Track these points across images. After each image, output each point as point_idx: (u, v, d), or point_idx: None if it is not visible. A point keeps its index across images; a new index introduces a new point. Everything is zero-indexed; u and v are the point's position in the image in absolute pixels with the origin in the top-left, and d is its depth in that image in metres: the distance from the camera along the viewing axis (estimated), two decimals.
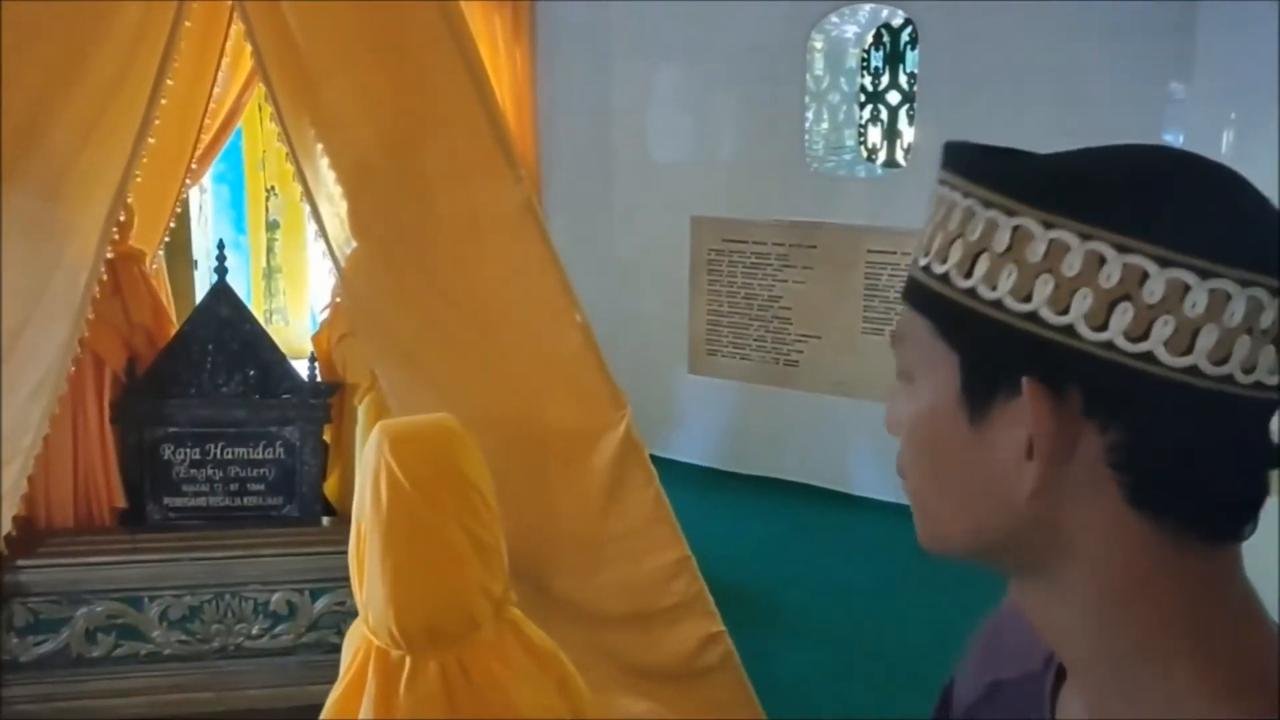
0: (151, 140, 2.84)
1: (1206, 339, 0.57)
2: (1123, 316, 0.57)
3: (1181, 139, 4.39)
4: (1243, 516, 0.62)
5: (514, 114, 5.60)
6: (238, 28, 2.94)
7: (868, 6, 5.24)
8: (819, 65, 5.33)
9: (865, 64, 5.50)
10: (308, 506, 3.34)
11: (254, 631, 3.15)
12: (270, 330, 3.75)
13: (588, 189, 5.75)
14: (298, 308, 7.51)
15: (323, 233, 2.90)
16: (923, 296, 0.66)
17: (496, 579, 1.72)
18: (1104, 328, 0.58)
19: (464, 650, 1.67)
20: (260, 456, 3.30)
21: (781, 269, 5.28)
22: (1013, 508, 0.63)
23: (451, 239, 2.87)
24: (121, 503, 3.29)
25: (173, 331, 3.40)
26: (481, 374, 2.88)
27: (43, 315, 2.77)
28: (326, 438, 3.57)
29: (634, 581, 2.90)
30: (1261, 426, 0.60)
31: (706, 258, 5.47)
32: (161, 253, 4.19)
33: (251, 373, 3.25)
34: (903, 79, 5.38)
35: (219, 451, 3.28)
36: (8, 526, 2.86)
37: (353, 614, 1.76)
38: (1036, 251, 0.60)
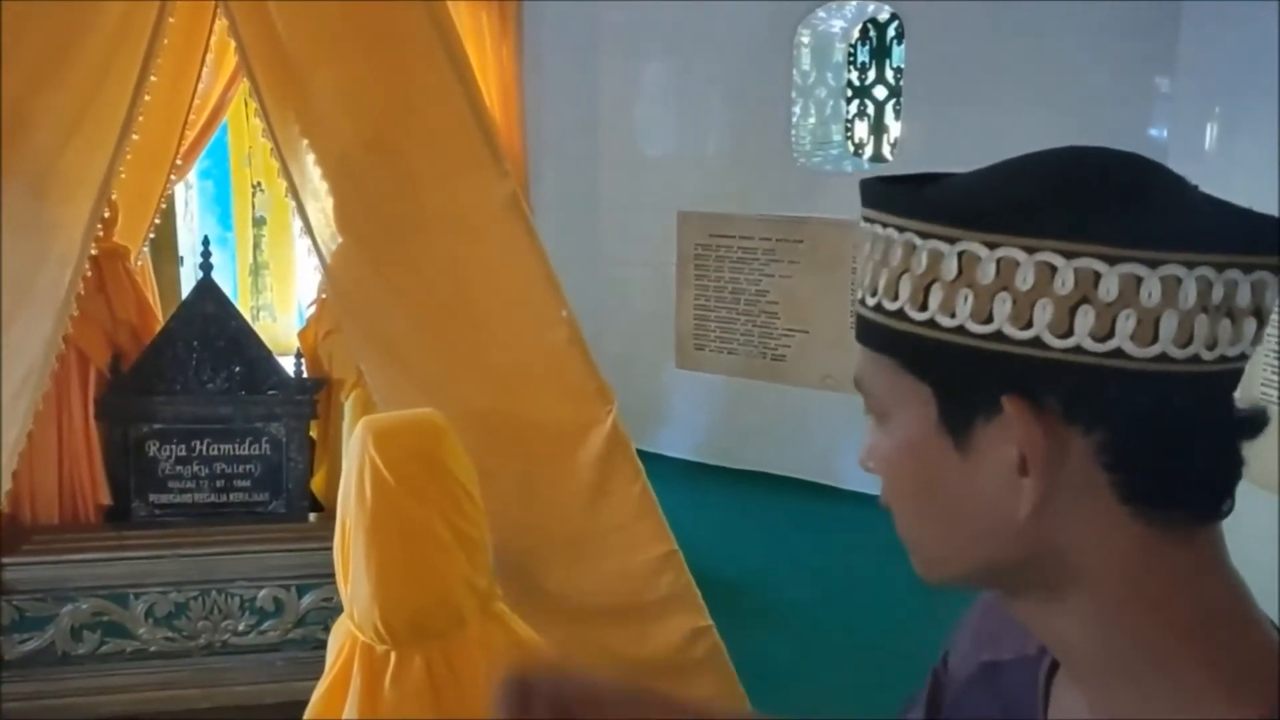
0: (136, 136, 2.83)
1: (1168, 325, 0.57)
2: (1085, 319, 0.58)
3: (1166, 134, 4.41)
4: (1225, 492, 0.63)
5: (501, 110, 5.59)
6: (222, 23, 2.93)
7: (854, 2, 5.25)
8: (805, 60, 5.33)
9: (852, 59, 5.50)
10: (294, 503, 3.34)
11: (240, 628, 3.15)
12: (257, 327, 3.75)
13: (575, 184, 5.74)
14: (285, 304, 7.49)
15: (308, 228, 2.89)
16: (880, 335, 0.66)
17: (481, 573, 1.73)
18: (1069, 334, 0.58)
19: (449, 645, 1.67)
20: (246, 453, 3.29)
21: (768, 264, 5.29)
22: (1010, 528, 0.63)
23: (437, 234, 2.87)
24: (107, 500, 3.28)
25: (158, 328, 3.39)
26: (467, 369, 2.88)
27: (27, 312, 2.76)
28: (313, 434, 3.57)
29: (621, 576, 2.91)
30: (1229, 398, 0.62)
31: (693, 253, 5.48)
32: (146, 249, 4.18)
33: (237, 369, 3.25)
34: (889, 74, 5.38)
35: (205, 448, 3.27)
36: None
37: (340, 610, 1.77)
38: (987, 273, 0.60)
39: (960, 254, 0.61)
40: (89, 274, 2.91)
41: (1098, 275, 0.58)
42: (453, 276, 2.88)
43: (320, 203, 2.85)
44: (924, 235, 0.62)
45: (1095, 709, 0.67)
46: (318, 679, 1.74)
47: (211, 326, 3.24)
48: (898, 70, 5.25)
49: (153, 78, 2.79)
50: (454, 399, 2.63)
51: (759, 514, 5.00)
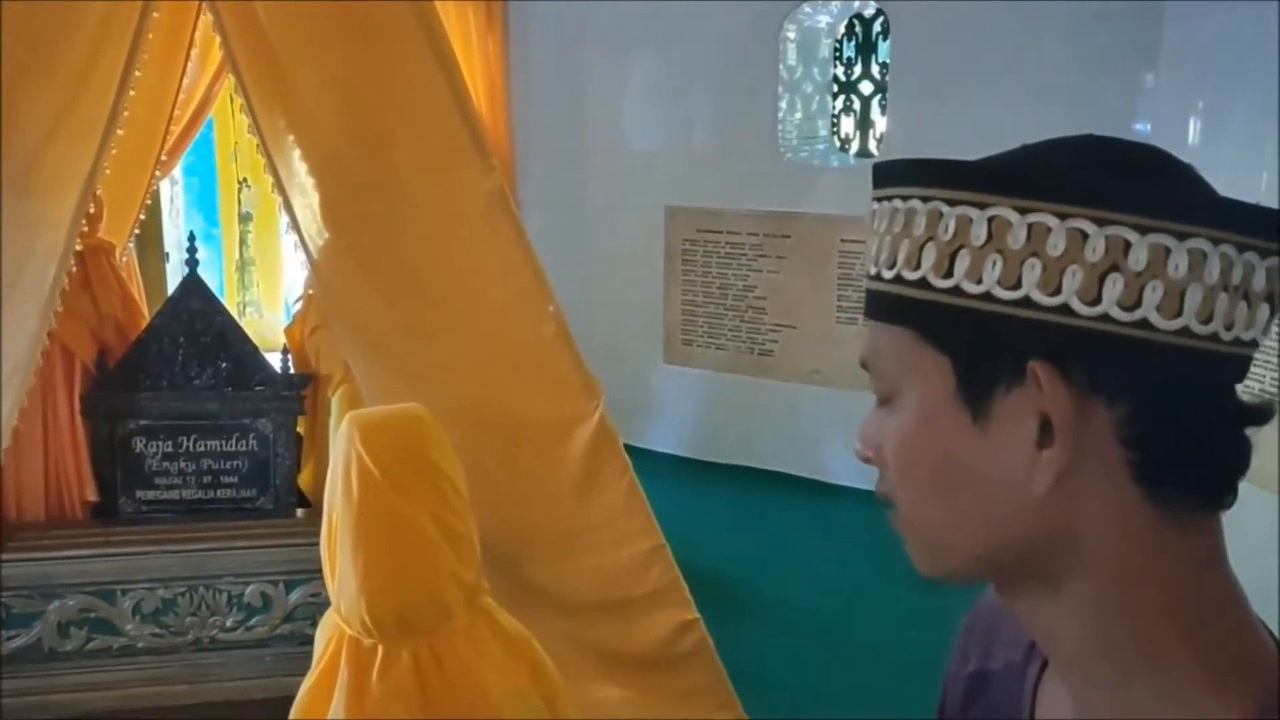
0: (121, 132, 2.82)
1: (1192, 299, 0.58)
2: (1114, 287, 0.58)
3: (1150, 128, 4.44)
4: (1233, 480, 0.63)
5: (487, 105, 5.58)
6: (206, 19, 2.92)
7: None
8: (792, 55, 5.33)
9: (838, 54, 5.51)
10: (281, 498, 3.33)
11: (228, 624, 3.14)
12: (244, 323, 3.74)
13: (562, 179, 5.74)
14: (272, 300, 7.47)
15: (294, 224, 2.89)
16: (898, 307, 0.66)
17: (468, 567, 1.73)
18: (1097, 301, 0.59)
19: (436, 639, 1.68)
20: (233, 449, 3.29)
21: (756, 259, 5.29)
22: (1024, 506, 0.63)
23: (424, 229, 2.87)
24: (93, 496, 3.27)
25: (144, 324, 3.38)
26: (455, 364, 2.88)
27: (12, 308, 2.75)
28: (300, 429, 3.56)
29: (609, 570, 2.91)
30: (1235, 384, 0.63)
31: (681, 248, 5.48)
32: (132, 245, 4.16)
33: (224, 365, 3.24)
34: (874, 69, 5.39)
35: (191, 444, 3.26)
36: None
37: (327, 605, 1.77)
38: (1018, 238, 0.60)
39: (991, 219, 0.61)
40: (74, 270, 2.90)
41: (1128, 244, 0.58)
42: (439, 271, 2.88)
43: (306, 198, 2.85)
44: (952, 202, 0.63)
45: (1081, 708, 0.67)
46: (305, 674, 1.74)
47: (198, 322, 3.23)
48: (883, 65, 5.27)
49: (137, 73, 2.78)
50: (441, 394, 2.64)
51: (746, 508, 5.02)
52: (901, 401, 0.68)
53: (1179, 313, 0.58)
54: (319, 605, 3.03)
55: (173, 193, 6.65)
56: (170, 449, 3.26)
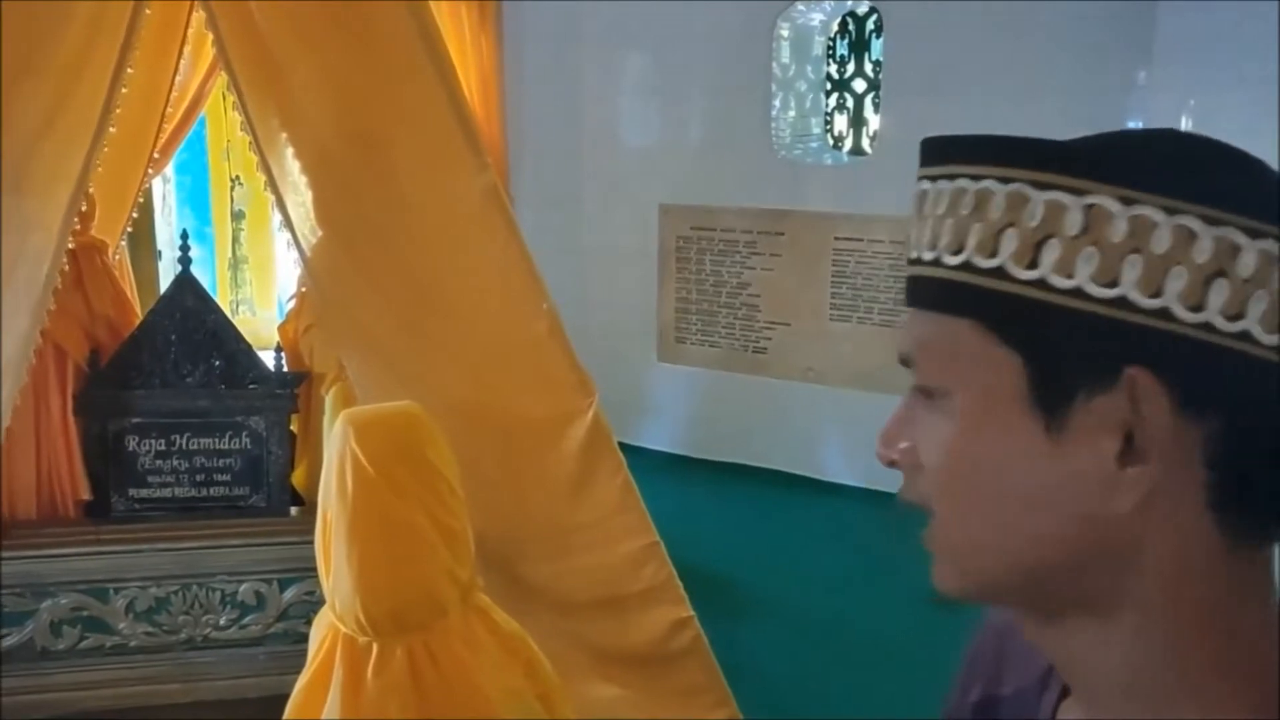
0: (113, 130, 2.81)
1: None
2: (1219, 294, 0.54)
3: (1142, 125, 4.45)
4: None
5: (481, 103, 5.57)
6: (199, 16, 2.92)
7: None
8: (785, 53, 5.34)
9: (831, 52, 5.51)
10: (275, 497, 3.33)
11: (222, 622, 3.14)
12: (237, 321, 3.73)
13: (556, 177, 5.74)
14: (265, 298, 7.46)
15: (288, 223, 2.88)
16: (962, 295, 0.60)
17: (463, 565, 1.73)
18: (1200, 307, 0.54)
19: (431, 636, 1.68)
20: (227, 447, 3.28)
21: (750, 256, 5.30)
22: (1093, 527, 0.57)
23: (417, 227, 2.87)
24: (86, 494, 3.26)
25: (136, 323, 3.37)
26: (448, 362, 2.88)
27: (4, 307, 2.74)
28: (293, 428, 3.56)
29: (603, 568, 2.92)
30: None
31: (675, 245, 5.48)
32: (124, 243, 4.15)
33: (217, 363, 3.23)
34: (868, 67, 5.40)
35: (184, 442, 3.26)
36: None
37: (322, 603, 1.77)
38: (1118, 230, 0.55)
39: (1088, 207, 0.56)
40: (66, 268, 2.89)
41: (1237, 248, 0.54)
42: (433, 269, 2.88)
43: (300, 196, 2.84)
44: (1041, 185, 0.57)
45: None
46: (300, 673, 1.74)
47: (190, 320, 3.23)
48: (876, 64, 5.27)
49: (130, 71, 2.77)
50: (435, 391, 2.64)
51: (740, 506, 5.02)
52: (952, 401, 0.61)
53: (1278, 328, 0.54)
54: (313, 603, 3.02)
55: (165, 191, 6.64)
56: (163, 447, 3.25)
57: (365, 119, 2.82)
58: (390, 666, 1.65)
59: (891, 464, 0.66)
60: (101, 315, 3.37)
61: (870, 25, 5.32)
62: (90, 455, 3.25)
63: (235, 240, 7.39)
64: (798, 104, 5.48)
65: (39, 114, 2.70)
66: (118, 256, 3.97)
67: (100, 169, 2.88)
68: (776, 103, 5.27)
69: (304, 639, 1.85)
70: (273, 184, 2.86)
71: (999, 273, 0.58)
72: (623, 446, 2.98)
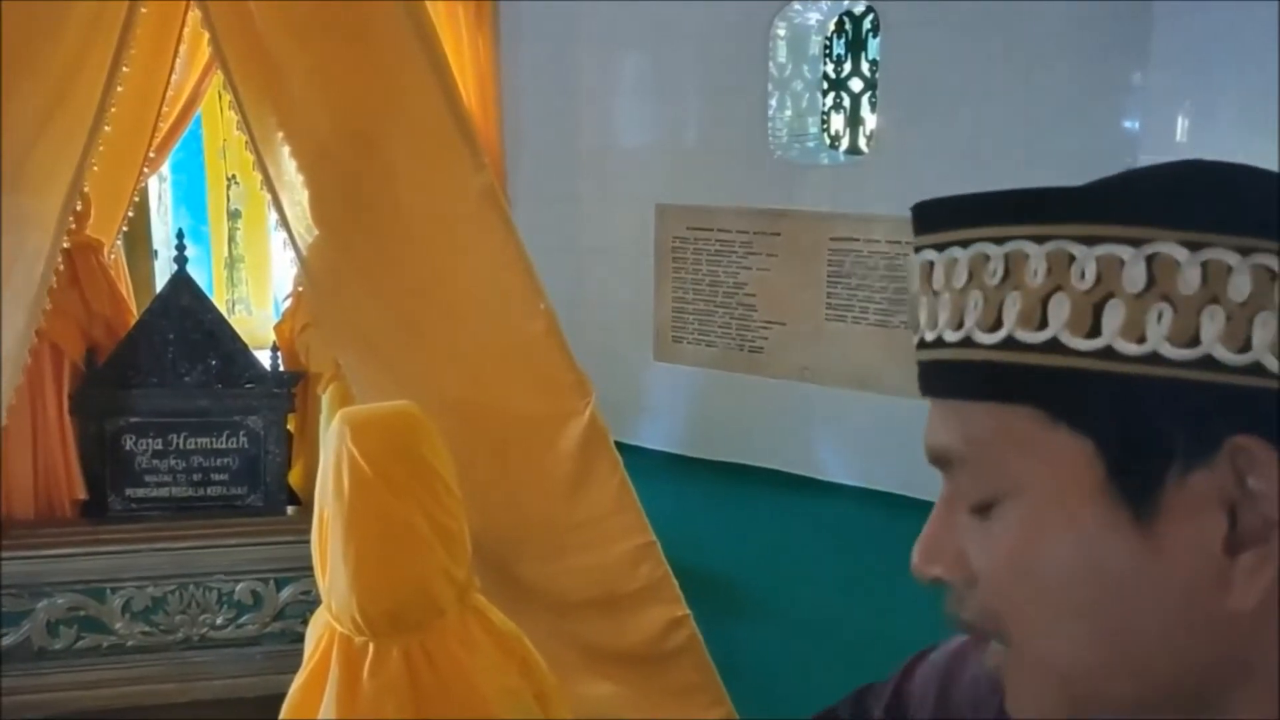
0: (108, 129, 2.81)
1: None
2: None
3: (1138, 126, 4.45)
4: None
5: (477, 103, 5.57)
6: (195, 15, 2.91)
7: None
8: (782, 53, 5.34)
9: (828, 51, 5.52)
10: (272, 496, 3.33)
11: (218, 622, 3.14)
12: (233, 320, 3.73)
13: (552, 177, 5.74)
14: (261, 297, 7.45)
15: (284, 222, 2.88)
16: (1009, 379, 0.52)
17: (460, 564, 1.73)
18: None
19: (427, 636, 1.68)
20: (223, 446, 3.28)
21: (746, 256, 5.30)
22: (1209, 627, 0.50)
23: (413, 227, 2.87)
24: (82, 494, 3.26)
25: (132, 322, 3.37)
26: (445, 361, 2.88)
27: (0, 306, 2.74)
28: (290, 427, 3.55)
29: (599, 567, 2.92)
30: None
31: (671, 245, 5.48)
32: (120, 243, 4.15)
33: (214, 362, 3.23)
34: (864, 67, 5.40)
35: (181, 441, 3.26)
36: None
37: (318, 603, 1.77)
38: (1190, 281, 0.47)
39: (1150, 258, 0.48)
40: (62, 267, 2.88)
41: None
42: (429, 269, 2.88)
43: (296, 195, 2.84)
44: (1087, 240, 0.49)
45: None
46: (296, 672, 1.74)
47: (187, 320, 3.22)
48: (873, 63, 5.27)
49: (125, 69, 2.77)
50: (431, 391, 2.63)
51: (736, 505, 5.02)
52: (1013, 504, 0.53)
53: None
54: (310, 603, 3.02)
55: (161, 190, 6.63)
56: (160, 446, 3.25)
57: (362, 118, 2.82)
58: (386, 666, 1.65)
59: (935, 581, 0.57)
60: (98, 314, 3.37)
61: (867, 25, 5.33)
62: (87, 455, 3.25)
63: (231, 239, 7.38)
64: (794, 104, 5.49)
65: (35, 113, 2.70)
66: (113, 256, 3.96)
67: (96, 168, 2.88)
68: (773, 102, 5.27)
69: (300, 638, 1.85)
70: (269, 183, 2.86)
71: (1052, 345, 0.50)
72: (619, 445, 2.98)
